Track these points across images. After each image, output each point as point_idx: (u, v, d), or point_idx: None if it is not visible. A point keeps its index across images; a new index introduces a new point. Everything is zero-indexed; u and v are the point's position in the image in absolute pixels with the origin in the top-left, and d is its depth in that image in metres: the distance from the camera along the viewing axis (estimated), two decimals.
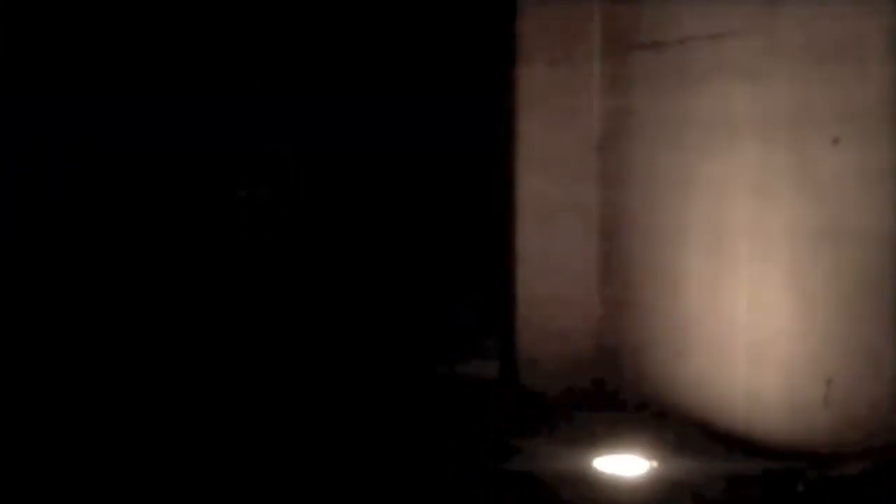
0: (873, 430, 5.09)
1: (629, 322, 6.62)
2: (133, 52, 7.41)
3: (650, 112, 6.43)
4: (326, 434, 5.99)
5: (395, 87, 7.66)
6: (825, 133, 5.30)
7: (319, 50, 7.66)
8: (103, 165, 7.40)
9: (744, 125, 5.76)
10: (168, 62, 7.45)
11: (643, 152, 6.49)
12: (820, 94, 5.33)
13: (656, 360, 6.38)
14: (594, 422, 6.24)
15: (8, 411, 6.11)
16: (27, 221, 7.24)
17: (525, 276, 6.78)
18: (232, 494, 5.16)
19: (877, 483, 4.95)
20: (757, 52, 5.68)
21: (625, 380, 6.64)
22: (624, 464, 5.47)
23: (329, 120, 7.66)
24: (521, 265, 6.79)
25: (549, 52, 6.75)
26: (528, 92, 6.78)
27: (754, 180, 5.69)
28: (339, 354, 7.37)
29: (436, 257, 7.61)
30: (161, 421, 6.15)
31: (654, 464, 5.44)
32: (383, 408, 6.53)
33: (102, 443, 5.75)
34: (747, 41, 5.74)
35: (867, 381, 5.15)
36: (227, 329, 7.39)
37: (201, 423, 6.13)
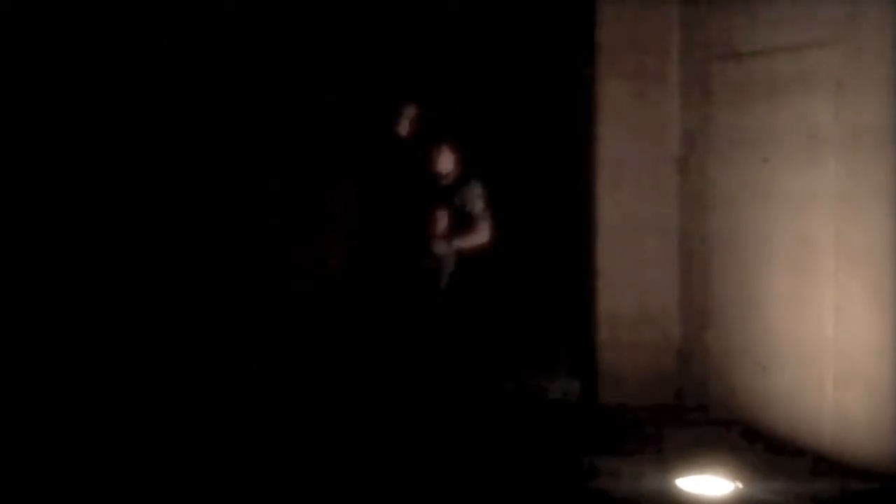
0: None
1: (713, 338, 6.54)
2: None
3: (730, 124, 6.35)
4: (408, 453, 6.00)
5: (469, 102, 7.62)
6: None
7: (399, 64, 7.66)
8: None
9: (828, 137, 5.66)
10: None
11: (723, 165, 6.41)
12: None
13: (741, 376, 6.30)
14: (677, 439, 6.17)
15: (7, 410, 6.18)
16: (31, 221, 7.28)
17: (605, 291, 6.74)
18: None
19: None
20: (841, 61, 5.58)
21: (709, 396, 6.56)
22: (708, 484, 5.40)
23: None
24: (601, 281, 6.74)
25: (628, 65, 6.70)
26: (607, 105, 6.74)
27: (839, 193, 5.58)
28: (418, 371, 7.36)
29: (509, 274, 7.56)
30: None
31: (739, 484, 5.36)
32: (464, 426, 6.51)
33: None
34: (831, 51, 5.64)
35: None
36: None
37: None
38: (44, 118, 7.18)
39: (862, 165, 5.45)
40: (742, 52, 6.27)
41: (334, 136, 7.48)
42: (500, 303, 7.55)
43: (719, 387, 6.46)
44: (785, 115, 5.96)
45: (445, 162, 6.32)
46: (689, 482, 5.44)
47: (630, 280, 6.73)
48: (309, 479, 5.57)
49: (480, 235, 6.29)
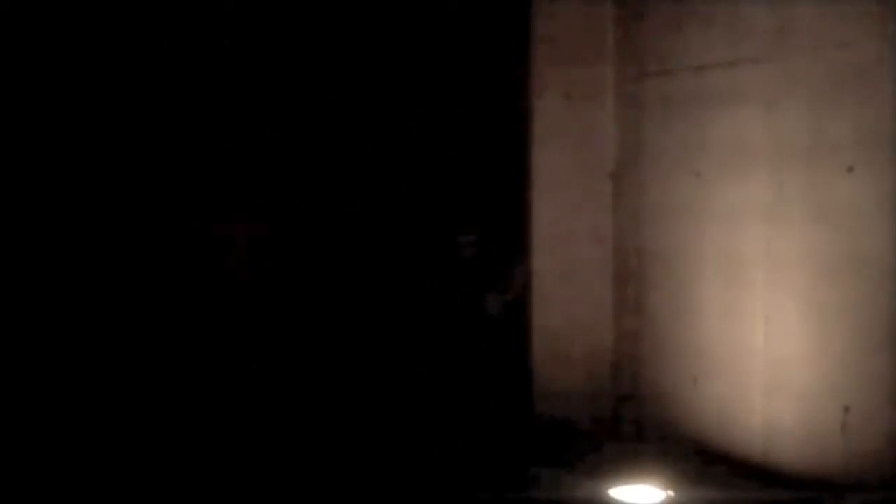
0: (891, 459, 5.06)
1: (646, 350, 6.61)
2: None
3: (664, 140, 6.44)
4: (343, 466, 6.01)
5: (406, 120, 7.62)
6: (840, 160, 5.29)
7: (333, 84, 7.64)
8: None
9: (758, 153, 5.76)
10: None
11: (657, 180, 6.49)
12: (834, 121, 5.32)
13: (673, 387, 6.37)
14: (612, 450, 6.24)
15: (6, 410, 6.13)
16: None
17: (539, 304, 6.78)
18: None
19: None
20: (771, 79, 5.69)
21: (642, 407, 6.62)
22: (640, 493, 5.45)
23: (343, 159, 7.61)
24: (537, 294, 6.78)
25: (562, 81, 6.77)
26: (542, 120, 6.80)
27: (769, 208, 5.68)
28: (358, 385, 7.36)
29: (450, 288, 7.58)
30: None
31: (671, 493, 5.42)
32: (401, 436, 6.53)
33: None
34: (761, 69, 5.76)
35: (885, 409, 5.10)
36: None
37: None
38: (42, 118, 7.10)
39: (790, 179, 5.56)
40: (675, 69, 6.37)
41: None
42: (439, 316, 7.57)
43: (653, 398, 6.53)
44: (717, 131, 6.06)
45: None
46: (621, 492, 5.49)
47: (565, 294, 6.78)
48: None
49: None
